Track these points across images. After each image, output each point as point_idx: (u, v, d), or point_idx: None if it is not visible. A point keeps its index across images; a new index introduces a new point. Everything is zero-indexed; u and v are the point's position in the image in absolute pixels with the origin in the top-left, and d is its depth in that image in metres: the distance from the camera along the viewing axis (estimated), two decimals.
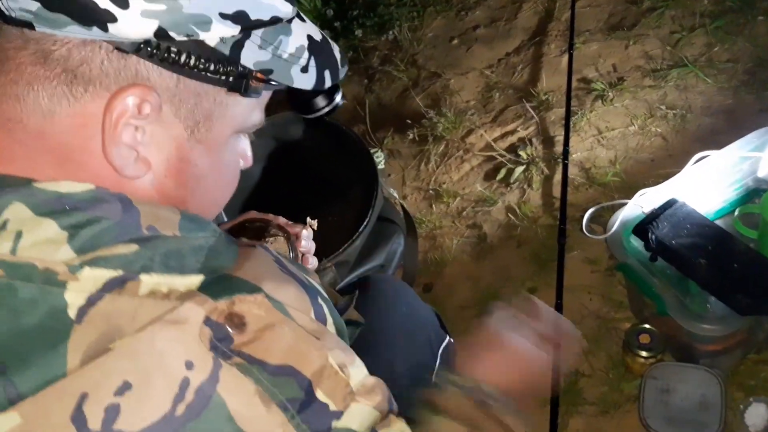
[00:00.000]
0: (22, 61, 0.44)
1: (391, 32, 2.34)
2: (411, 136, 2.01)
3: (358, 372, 0.47)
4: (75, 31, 0.42)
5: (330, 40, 0.54)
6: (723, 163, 1.37)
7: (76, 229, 0.42)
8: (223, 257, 0.46)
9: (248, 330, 0.42)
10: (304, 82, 0.51)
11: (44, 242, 0.41)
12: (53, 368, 0.39)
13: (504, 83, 2.07)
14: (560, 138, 1.80)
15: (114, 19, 0.42)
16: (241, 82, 0.47)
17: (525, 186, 1.79)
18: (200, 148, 0.49)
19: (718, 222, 1.32)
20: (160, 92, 0.45)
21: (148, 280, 0.42)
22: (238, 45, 0.46)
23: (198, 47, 0.45)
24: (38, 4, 0.42)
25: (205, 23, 0.44)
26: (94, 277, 0.41)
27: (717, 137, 1.64)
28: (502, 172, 1.83)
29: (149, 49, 0.44)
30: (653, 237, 1.28)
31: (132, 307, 0.40)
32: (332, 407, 0.44)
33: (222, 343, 0.41)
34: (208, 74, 0.46)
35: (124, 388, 0.39)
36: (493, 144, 1.90)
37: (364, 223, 1.57)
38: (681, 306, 1.24)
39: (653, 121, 1.79)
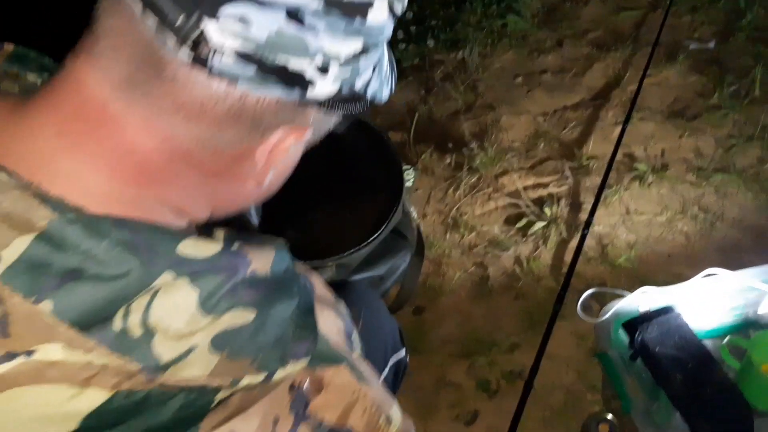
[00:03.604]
0: (217, 111, 0.47)
1: (461, 52, 2.36)
2: (448, 160, 2.04)
3: (395, 414, 0.55)
4: (275, 92, 0.47)
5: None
6: (730, 285, 1.39)
7: (207, 292, 0.47)
8: (308, 316, 0.52)
9: (326, 392, 0.51)
10: (387, 95, 0.56)
11: (175, 306, 0.46)
12: None
13: (552, 135, 2.08)
14: (588, 206, 1.81)
15: (313, 84, 0.47)
16: (360, 108, 0.53)
17: (540, 242, 1.81)
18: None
19: (706, 342, 1.33)
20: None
21: (277, 375, 0.49)
22: (371, 86, 0.52)
23: (351, 96, 0.51)
24: (254, 68, 0.45)
25: (369, 80, 0.51)
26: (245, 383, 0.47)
27: (738, 255, 1.65)
28: (523, 222, 1.85)
29: (324, 104, 0.50)
30: (639, 338, 1.30)
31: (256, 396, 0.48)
32: None
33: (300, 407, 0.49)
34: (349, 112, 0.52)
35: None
36: (522, 191, 1.92)
37: (376, 235, 1.60)
38: (645, 411, 1.27)
39: (682, 218, 1.80)
